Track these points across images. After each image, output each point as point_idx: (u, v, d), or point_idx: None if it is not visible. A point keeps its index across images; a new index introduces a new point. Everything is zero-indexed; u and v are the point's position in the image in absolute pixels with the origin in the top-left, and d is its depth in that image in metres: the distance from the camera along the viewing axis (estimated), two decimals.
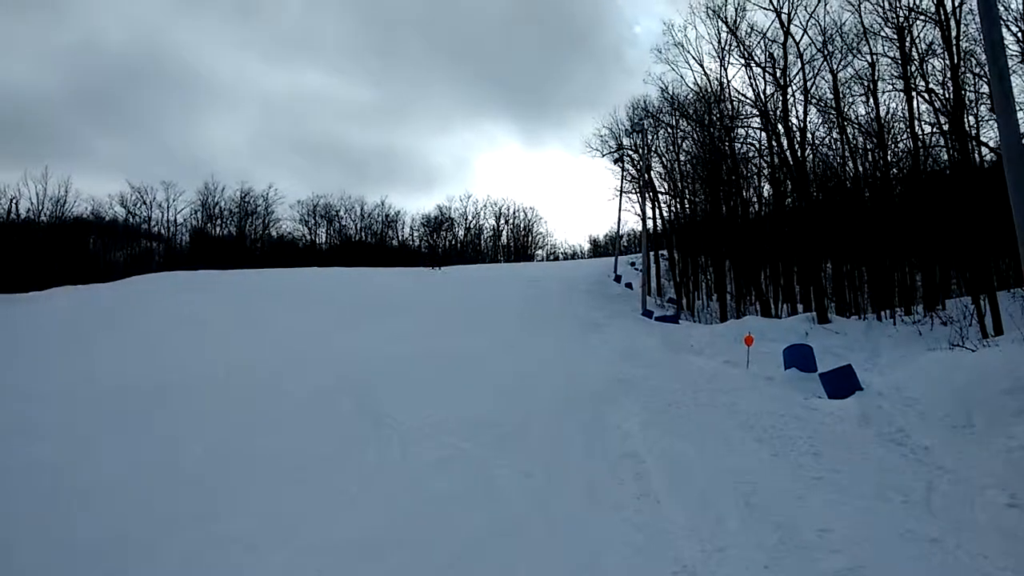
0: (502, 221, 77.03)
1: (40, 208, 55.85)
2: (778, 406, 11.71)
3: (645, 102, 46.52)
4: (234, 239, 63.66)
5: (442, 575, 5.93)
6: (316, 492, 8.15)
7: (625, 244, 69.17)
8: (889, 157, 30.92)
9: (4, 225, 53.65)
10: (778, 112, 32.81)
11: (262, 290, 30.36)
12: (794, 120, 32.93)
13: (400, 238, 73.62)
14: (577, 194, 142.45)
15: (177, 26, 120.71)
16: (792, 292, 36.96)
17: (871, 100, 31.23)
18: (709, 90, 39.16)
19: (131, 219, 63.05)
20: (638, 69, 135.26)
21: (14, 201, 54.73)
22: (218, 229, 65.29)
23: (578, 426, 10.77)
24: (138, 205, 62.57)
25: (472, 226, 75.92)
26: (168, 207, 63.87)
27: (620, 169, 49.08)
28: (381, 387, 13.58)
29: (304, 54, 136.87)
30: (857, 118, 33.08)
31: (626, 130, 47.84)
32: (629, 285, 43.31)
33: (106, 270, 51.91)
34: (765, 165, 37.50)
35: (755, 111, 34.86)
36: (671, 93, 42.08)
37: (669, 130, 45.39)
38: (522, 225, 78.65)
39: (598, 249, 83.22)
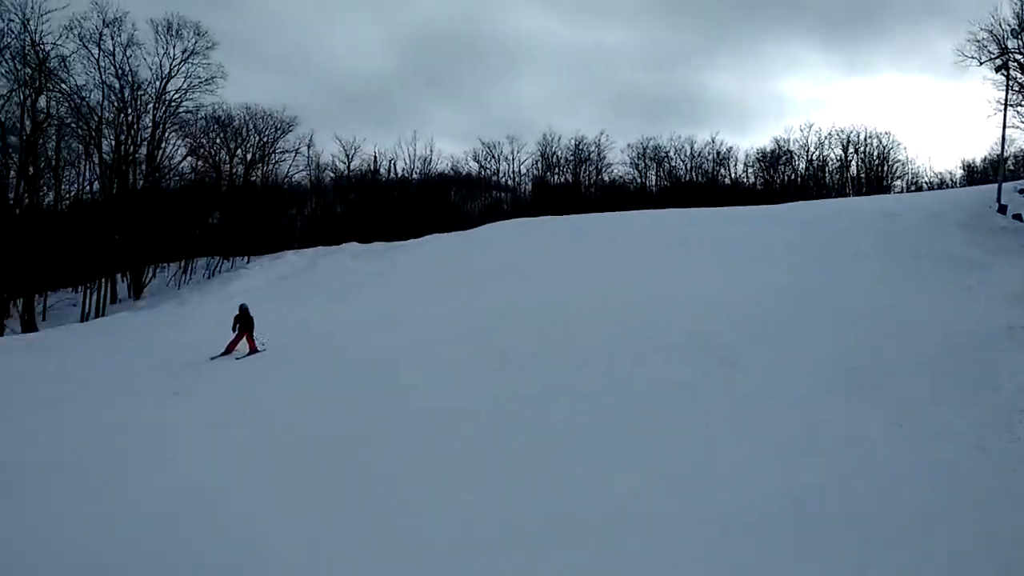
0: (850, 150, 68.83)
1: (412, 167, 64.98)
2: None
3: None
4: (570, 186, 67.14)
5: (791, 513, 5.71)
6: (672, 422, 8.42)
7: (1011, 167, 57.71)
8: None
9: (385, 183, 63.48)
10: None
11: (599, 233, 31.63)
12: None
13: (733, 176, 70.52)
14: (939, 116, 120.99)
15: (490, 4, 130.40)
16: None
17: None
18: None
19: (483, 172, 69.90)
20: None
21: (392, 162, 64.70)
22: (556, 177, 69.34)
23: (956, 376, 9.45)
24: (488, 160, 69.02)
25: (815, 158, 69.19)
26: (513, 160, 69.49)
27: (1004, 78, 40.72)
28: (726, 325, 13.34)
29: (602, 12, 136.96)
30: None
31: (1013, 30, 39.27)
32: (1019, 216, 36.24)
33: (464, 219, 58.59)
34: None
35: None
36: None
37: None
38: (875, 153, 69.46)
39: (974, 175, 70.55)
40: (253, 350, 16.23)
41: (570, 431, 8.76)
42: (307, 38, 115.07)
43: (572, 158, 68.43)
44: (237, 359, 15.72)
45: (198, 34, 42.72)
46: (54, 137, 38.76)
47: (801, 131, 77.35)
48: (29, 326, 32.97)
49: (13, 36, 35.25)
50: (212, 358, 15.80)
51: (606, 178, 70.12)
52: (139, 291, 39.96)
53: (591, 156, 68.55)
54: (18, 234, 34.82)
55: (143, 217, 40.41)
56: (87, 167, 43.33)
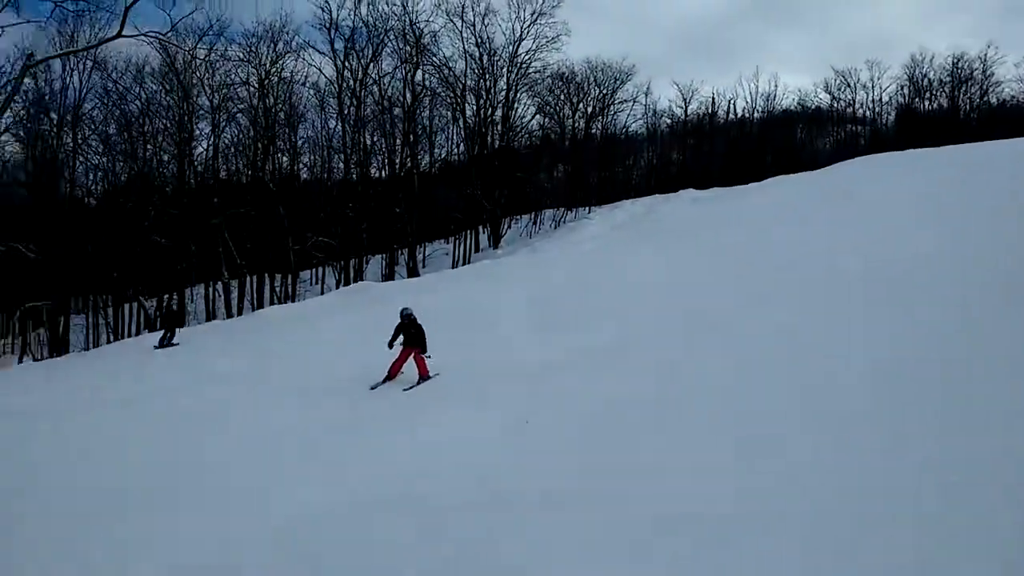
0: None
1: (753, 106, 61.40)
2: None
3: None
4: (945, 112, 57.29)
5: None
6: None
7: None
8: None
9: (724, 125, 61.00)
10: None
11: (988, 166, 26.41)
12: None
13: None
14: None
15: None
16: None
17: None
18: None
19: (835, 105, 63.00)
20: None
21: (732, 102, 61.78)
22: (926, 104, 59.70)
23: None
24: (842, 89, 61.99)
25: None
26: (872, 87, 61.47)
27: None
28: None
29: None
30: None
31: None
32: None
33: (811, 159, 53.67)
34: None
35: None
36: None
37: None
38: None
39: None
40: (424, 375, 11.32)
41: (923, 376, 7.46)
42: None
43: (949, 79, 58.18)
44: (405, 391, 10.95)
45: None
46: (427, 106, 44.44)
47: None
48: (412, 272, 38.82)
49: (396, 19, 40.94)
50: (373, 387, 11.35)
51: (994, 100, 58.34)
52: (497, 241, 44.32)
53: (973, 75, 57.56)
54: (401, 194, 40.85)
55: (499, 174, 44.46)
56: (453, 131, 48.97)
